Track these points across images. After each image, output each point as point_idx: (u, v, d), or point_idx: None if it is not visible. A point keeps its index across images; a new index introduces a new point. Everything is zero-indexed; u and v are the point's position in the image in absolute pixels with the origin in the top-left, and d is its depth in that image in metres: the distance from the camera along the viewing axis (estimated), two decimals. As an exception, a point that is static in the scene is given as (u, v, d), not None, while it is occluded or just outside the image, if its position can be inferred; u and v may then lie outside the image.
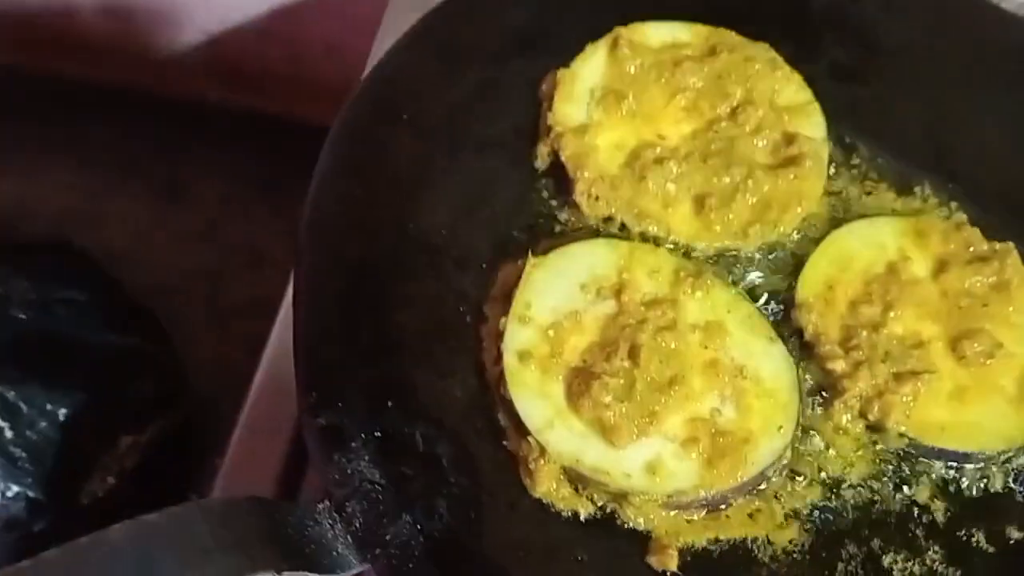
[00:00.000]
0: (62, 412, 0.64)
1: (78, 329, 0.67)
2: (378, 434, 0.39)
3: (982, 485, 0.42)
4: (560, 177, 0.49)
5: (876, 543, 0.41)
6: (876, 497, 0.42)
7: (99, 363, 0.67)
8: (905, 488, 0.42)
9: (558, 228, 0.48)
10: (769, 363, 0.43)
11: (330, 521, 0.37)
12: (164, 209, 0.90)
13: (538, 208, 0.49)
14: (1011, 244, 0.47)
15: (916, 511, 0.41)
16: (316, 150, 0.98)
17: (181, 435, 0.71)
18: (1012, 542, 0.41)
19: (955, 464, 0.42)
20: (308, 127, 0.93)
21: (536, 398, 0.41)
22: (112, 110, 0.94)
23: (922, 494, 0.42)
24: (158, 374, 0.70)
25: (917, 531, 0.41)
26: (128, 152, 0.93)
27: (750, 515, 0.40)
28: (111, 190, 0.91)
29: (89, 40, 0.92)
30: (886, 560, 0.40)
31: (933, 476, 0.42)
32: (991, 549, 0.41)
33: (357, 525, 0.37)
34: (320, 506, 0.37)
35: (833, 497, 0.41)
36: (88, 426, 0.65)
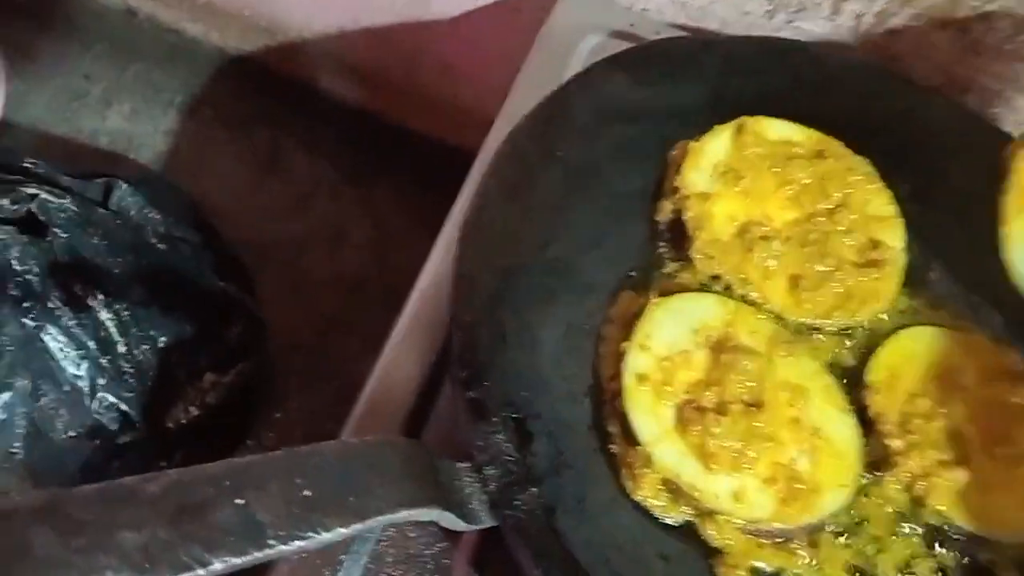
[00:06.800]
0: (162, 340, 0.69)
1: (191, 268, 0.72)
2: (515, 416, 0.46)
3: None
4: (677, 233, 0.57)
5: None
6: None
7: (201, 302, 0.72)
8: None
9: (669, 276, 0.56)
10: (841, 430, 0.50)
11: (469, 479, 0.43)
12: (260, 174, 0.95)
13: (655, 255, 0.56)
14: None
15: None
16: (406, 150, 1.04)
17: (253, 384, 0.76)
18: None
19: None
20: (403, 129, 1.00)
21: (648, 415, 0.47)
22: (227, 72, 1.00)
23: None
24: (246, 323, 0.75)
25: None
26: (234, 114, 0.98)
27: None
28: (212, 145, 0.96)
29: (218, 4, 0.98)
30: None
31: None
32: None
33: (492, 487, 0.43)
34: (461, 465, 0.44)
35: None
36: (182, 358, 0.70)
